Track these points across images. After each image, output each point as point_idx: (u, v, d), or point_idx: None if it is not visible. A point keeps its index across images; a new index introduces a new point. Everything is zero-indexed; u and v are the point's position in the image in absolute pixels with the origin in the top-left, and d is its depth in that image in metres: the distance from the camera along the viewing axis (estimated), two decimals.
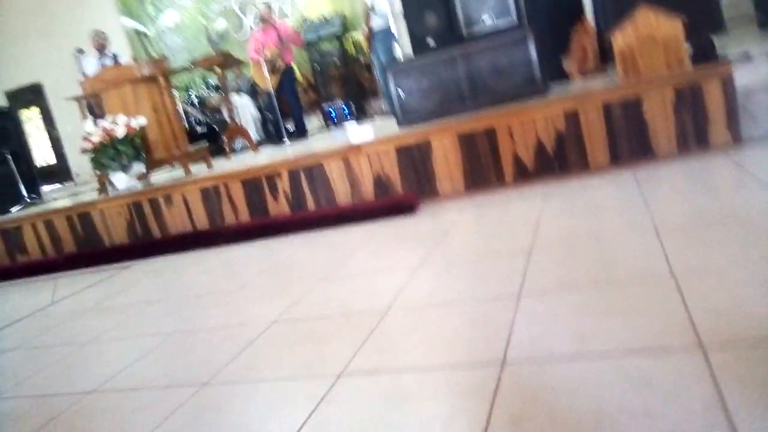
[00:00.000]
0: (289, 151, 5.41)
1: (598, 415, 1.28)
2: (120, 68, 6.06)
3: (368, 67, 9.07)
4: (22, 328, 3.30)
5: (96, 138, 4.94)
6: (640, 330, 1.60)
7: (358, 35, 9.12)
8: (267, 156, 5.30)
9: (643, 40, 3.53)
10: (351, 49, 9.45)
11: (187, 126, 8.72)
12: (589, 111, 3.52)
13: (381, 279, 2.60)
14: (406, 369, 1.72)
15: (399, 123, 4.45)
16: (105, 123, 4.98)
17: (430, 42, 4.85)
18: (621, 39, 3.58)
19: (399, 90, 4.38)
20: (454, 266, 2.55)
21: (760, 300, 1.61)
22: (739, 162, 3.00)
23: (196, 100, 9.48)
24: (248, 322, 2.45)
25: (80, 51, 8.70)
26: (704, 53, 3.49)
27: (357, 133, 5.07)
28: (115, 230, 4.81)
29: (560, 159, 3.63)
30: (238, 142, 7.61)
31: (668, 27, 3.47)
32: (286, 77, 7.29)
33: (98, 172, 5.30)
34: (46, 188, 8.92)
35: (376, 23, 7.18)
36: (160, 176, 5.26)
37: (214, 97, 9.24)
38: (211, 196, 4.50)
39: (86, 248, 4.88)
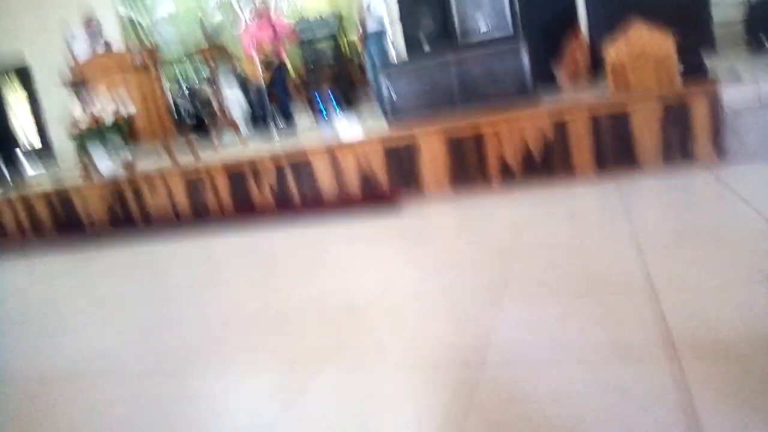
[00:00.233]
0: (277, 145, 5.39)
1: (574, 422, 1.28)
2: (112, 55, 6.00)
3: (361, 68, 9.07)
4: None
5: (83, 123, 4.88)
6: (617, 339, 1.61)
7: (353, 35, 9.11)
8: (255, 149, 5.27)
9: (635, 56, 3.56)
10: (345, 49, 9.43)
11: (176, 116, 8.65)
12: (578, 121, 3.54)
13: (363, 276, 2.60)
14: (385, 367, 1.72)
15: (389, 123, 4.45)
16: (93, 109, 4.93)
17: (425, 47, 4.86)
18: (614, 53, 3.61)
19: (390, 90, 4.38)
20: (437, 266, 2.55)
21: (734, 314, 1.63)
22: (722, 178, 3.04)
23: (186, 91, 9.41)
24: (227, 313, 2.44)
25: (71, 35, 8.60)
26: (694, 70, 3.53)
27: (346, 129, 5.06)
28: (96, 215, 4.76)
29: (546, 166, 3.65)
30: (227, 135, 7.57)
31: (660, 43, 3.50)
32: (278, 73, 7.26)
33: (83, 157, 5.24)
34: (29, 170, 8.80)
35: (371, 24, 7.18)
36: (146, 164, 5.21)
37: (205, 89, 9.18)
38: (195, 185, 4.47)
39: (66, 231, 4.82)
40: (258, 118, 8.25)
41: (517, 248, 2.55)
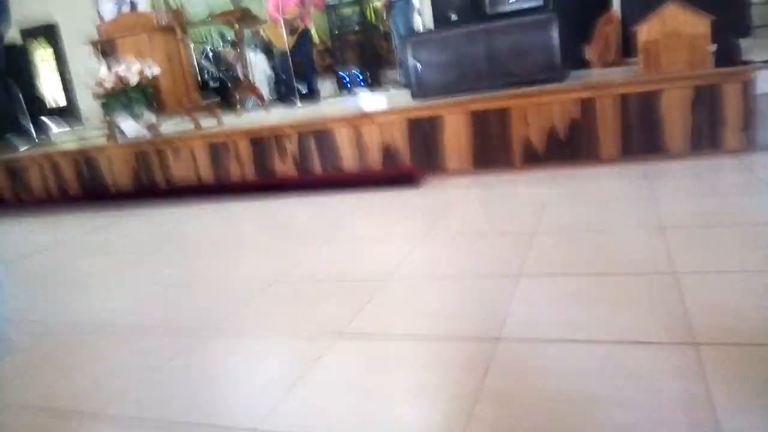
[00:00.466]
0: (300, 113, 5.39)
1: (585, 400, 1.30)
2: (137, 15, 6.00)
3: (386, 36, 8.97)
4: (27, 264, 3.33)
5: (108, 83, 4.91)
6: (635, 321, 1.61)
7: (379, 3, 9.00)
8: (277, 116, 5.28)
9: (668, 35, 3.48)
10: (371, 17, 9.33)
11: (199, 79, 8.66)
12: (606, 101, 3.49)
13: (382, 247, 2.62)
14: (401, 337, 1.75)
15: (413, 95, 4.42)
16: (119, 69, 4.95)
17: (452, 15, 4.79)
18: (646, 31, 3.54)
19: (416, 62, 4.34)
20: (456, 241, 2.56)
21: (756, 304, 1.62)
22: (751, 167, 2.99)
23: (210, 54, 9.40)
24: (247, 278, 2.48)
25: None
26: (728, 55, 3.45)
27: (369, 101, 5.04)
28: (120, 177, 4.82)
29: (572, 146, 3.61)
30: (249, 100, 7.57)
31: (695, 24, 3.42)
32: (302, 39, 7.21)
33: (108, 118, 5.29)
34: (54, 130, 8.89)
35: None
36: (169, 127, 5.24)
37: (229, 53, 9.16)
38: (218, 151, 4.49)
39: (91, 192, 4.89)
40: (281, 85, 8.24)
41: (537, 227, 2.55)
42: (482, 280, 2.07)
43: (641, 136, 3.47)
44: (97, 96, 5.02)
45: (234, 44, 8.91)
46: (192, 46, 8.52)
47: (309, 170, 4.26)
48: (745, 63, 3.36)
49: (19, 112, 6.70)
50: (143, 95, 4.94)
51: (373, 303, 2.01)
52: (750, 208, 2.46)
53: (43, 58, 11.70)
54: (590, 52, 4.88)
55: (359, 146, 4.09)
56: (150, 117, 5.05)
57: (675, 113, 3.38)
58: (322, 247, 2.75)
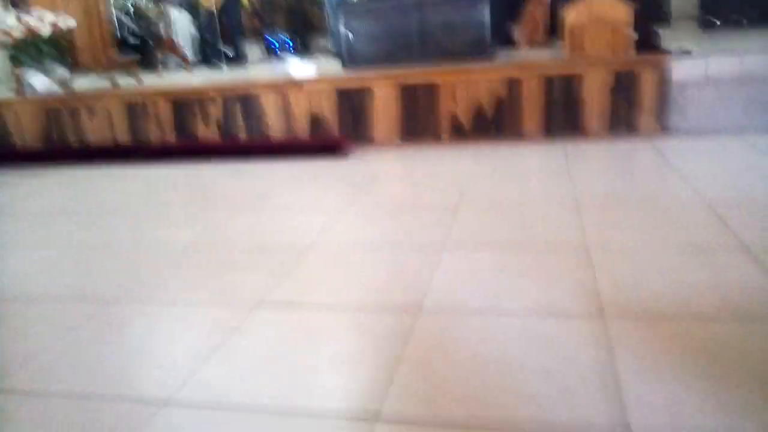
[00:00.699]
0: (225, 77, 5.21)
1: (500, 368, 1.34)
2: None
3: (318, 3, 8.79)
4: None
5: (17, 33, 4.56)
6: (549, 293, 1.67)
7: None
8: (201, 78, 5.09)
9: (594, 20, 3.58)
10: None
11: (118, 35, 8.20)
12: (532, 82, 3.57)
13: (306, 216, 2.59)
14: (322, 307, 1.74)
15: (343, 65, 4.36)
16: (29, 19, 4.61)
17: None
18: (573, 15, 3.62)
19: (347, 31, 4.27)
20: (381, 213, 2.56)
21: (661, 279, 1.71)
22: (662, 150, 3.15)
23: (131, 10, 8.91)
24: (164, 245, 2.39)
25: None
26: (647, 43, 3.59)
27: (298, 68, 4.94)
28: (29, 134, 4.51)
29: (497, 124, 3.68)
30: (172, 60, 7.25)
31: (618, 11, 3.53)
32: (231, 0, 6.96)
33: (16, 71, 4.93)
34: None
35: None
36: (84, 84, 4.94)
37: (150, 9, 8.71)
38: (136, 112, 4.29)
39: None
40: (206, 46, 7.94)
41: (460, 202, 2.59)
42: (406, 252, 2.08)
43: (563, 117, 3.57)
44: (2, 46, 4.66)
45: (157, 0, 8.48)
46: (112, 0, 8.05)
47: (234, 136, 4.14)
48: (663, 51, 3.51)
49: None
50: (55, 48, 4.64)
51: (295, 272, 1.99)
52: (658, 190, 2.59)
53: None
54: (519, 32, 4.96)
55: (286, 114, 4.01)
56: (63, 72, 4.75)
57: (595, 96, 3.49)
58: (244, 215, 2.69)
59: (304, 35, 8.79)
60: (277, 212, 2.71)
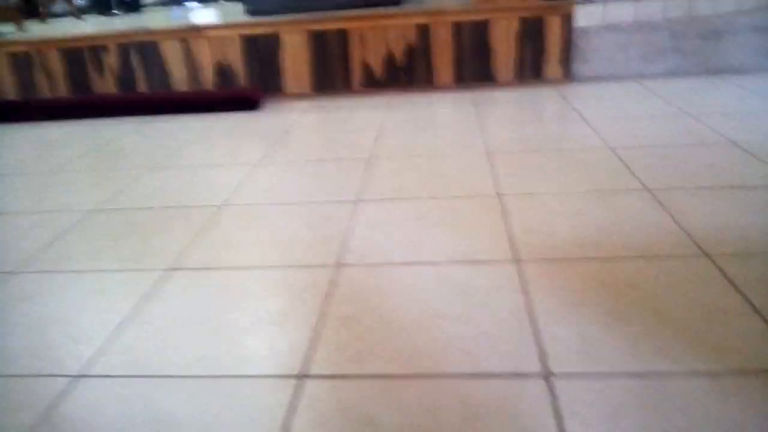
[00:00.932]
0: (119, 23, 4.87)
1: (421, 317, 1.37)
2: None
3: None
4: None
5: None
6: (465, 242, 1.72)
7: None
8: (93, 26, 4.72)
9: None
10: None
11: None
12: (440, 27, 3.57)
13: (217, 173, 2.50)
14: (239, 267, 1.70)
15: (247, 11, 4.17)
16: None
17: None
18: None
19: None
20: (295, 167, 2.52)
21: (569, 222, 1.80)
22: (567, 97, 3.26)
23: None
24: (64, 208, 2.25)
25: None
26: None
27: (199, 14, 4.68)
28: None
29: (409, 72, 3.67)
30: (58, 5, 6.68)
31: None
32: None
33: None
34: None
35: None
36: None
37: None
38: (23, 63, 3.95)
39: None
40: None
41: (374, 152, 2.59)
42: (322, 206, 2.07)
43: (473, 65, 3.61)
44: None
45: None
46: None
47: (133, 89, 3.90)
48: None
49: None
50: None
51: (209, 232, 1.93)
52: (563, 134, 2.69)
53: None
54: None
55: (190, 65, 3.81)
56: None
57: (504, 43, 3.54)
58: (151, 174, 2.57)
59: None
60: (186, 170, 2.61)
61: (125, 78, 3.88)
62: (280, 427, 1.08)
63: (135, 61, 3.84)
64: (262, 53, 3.74)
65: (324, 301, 1.47)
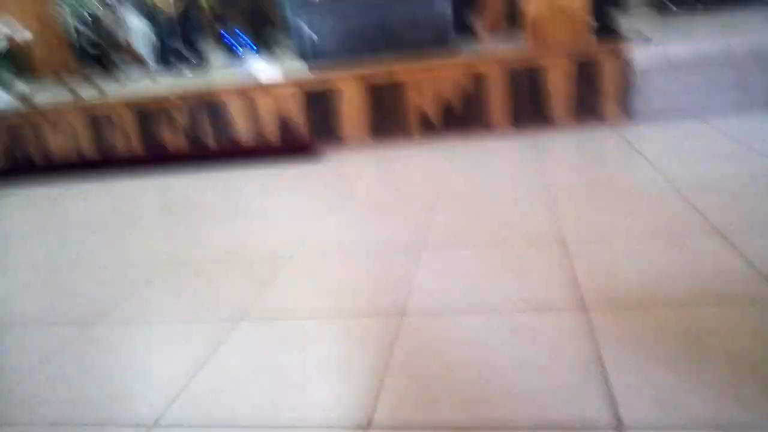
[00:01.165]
0: (189, 82, 5.15)
1: (488, 366, 1.36)
2: None
3: (278, 3, 8.71)
4: None
5: None
6: (530, 288, 1.70)
7: None
8: (164, 86, 5.01)
9: (552, 9, 3.63)
10: None
11: (77, 46, 8.03)
12: (495, 73, 3.60)
13: (283, 223, 2.58)
14: (307, 315, 1.74)
15: (308, 65, 4.34)
16: None
17: None
18: (532, 6, 3.66)
19: (307, 30, 4.25)
20: (357, 216, 2.57)
21: (636, 266, 1.75)
22: (628, 137, 3.21)
23: (88, 18, 8.73)
24: (140, 261, 2.36)
25: None
26: (606, 30, 3.65)
27: (262, 70, 4.90)
28: None
29: (465, 118, 3.71)
30: (133, 68, 7.14)
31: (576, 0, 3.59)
32: (189, 3, 6.87)
33: None
34: None
35: None
36: (45, 98, 4.84)
37: (108, 17, 8.54)
38: (101, 123, 4.22)
39: None
40: (167, 53, 7.82)
41: (435, 199, 2.61)
42: (386, 254, 2.09)
43: (529, 109, 3.62)
44: None
45: (113, 7, 8.33)
46: (68, 9, 7.88)
47: (201, 144, 4.10)
48: (623, 38, 3.57)
49: None
50: (13, 62, 4.53)
51: (277, 281, 1.99)
52: (628, 176, 2.65)
53: None
54: (478, 21, 4.99)
55: (253, 118, 3.98)
56: (22, 87, 4.65)
57: (559, 86, 3.54)
58: (220, 225, 2.67)
59: (265, 36, 8.71)
60: (254, 220, 2.70)
61: (193, 133, 4.08)
62: None
63: (202, 116, 4.04)
64: (321, 105, 3.86)
65: (388, 349, 1.48)
